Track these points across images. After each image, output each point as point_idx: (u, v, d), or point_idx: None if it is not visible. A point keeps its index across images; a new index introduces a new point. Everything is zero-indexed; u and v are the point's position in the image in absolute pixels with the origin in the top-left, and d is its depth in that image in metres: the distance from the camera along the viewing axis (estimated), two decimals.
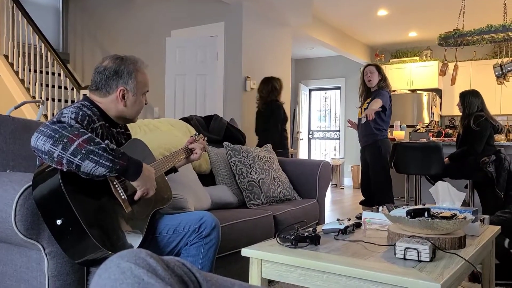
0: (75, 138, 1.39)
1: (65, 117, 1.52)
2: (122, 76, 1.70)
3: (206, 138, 2.20)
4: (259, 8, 5.06)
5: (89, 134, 1.44)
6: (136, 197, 1.59)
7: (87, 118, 1.59)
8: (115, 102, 1.70)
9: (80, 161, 1.38)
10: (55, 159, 1.38)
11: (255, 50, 5.06)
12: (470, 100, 4.07)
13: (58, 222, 1.37)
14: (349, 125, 4.60)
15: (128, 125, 2.49)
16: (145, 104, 1.81)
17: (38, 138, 1.39)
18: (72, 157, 1.37)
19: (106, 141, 1.46)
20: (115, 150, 1.46)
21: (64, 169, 1.40)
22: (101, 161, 1.40)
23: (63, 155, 1.37)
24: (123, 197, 1.55)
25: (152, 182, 1.60)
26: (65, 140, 1.38)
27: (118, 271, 0.56)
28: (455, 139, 4.41)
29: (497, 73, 4.99)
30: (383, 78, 4.21)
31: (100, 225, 1.43)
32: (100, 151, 1.41)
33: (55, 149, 1.37)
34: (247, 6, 4.90)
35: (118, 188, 1.55)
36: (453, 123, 6.09)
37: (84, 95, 1.76)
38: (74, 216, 1.36)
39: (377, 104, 3.97)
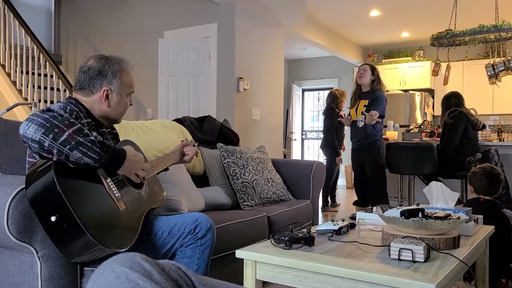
0: (65, 128, 1.41)
1: (54, 106, 1.55)
2: (106, 76, 1.69)
3: (197, 144, 2.23)
4: (251, 9, 5.06)
5: (79, 125, 1.46)
6: (135, 181, 1.63)
7: (75, 113, 1.61)
8: (98, 102, 1.70)
9: (69, 151, 1.41)
10: (46, 148, 1.40)
11: (248, 51, 5.06)
12: (447, 101, 4.18)
13: (53, 218, 1.36)
14: (342, 119, 4.57)
15: (121, 126, 2.50)
16: (130, 105, 1.81)
17: (28, 126, 1.40)
18: (61, 147, 1.39)
19: (94, 133, 1.48)
20: (102, 142, 1.48)
21: (54, 158, 1.42)
22: (89, 153, 1.43)
23: (54, 145, 1.39)
24: (116, 195, 1.55)
25: (137, 165, 1.62)
26: (55, 130, 1.39)
27: (113, 276, 0.55)
28: None
29: (489, 73, 5.03)
30: (376, 80, 4.19)
31: (95, 221, 1.42)
32: (88, 143, 1.43)
33: (45, 139, 1.38)
34: (240, 6, 4.89)
35: (111, 186, 1.55)
36: None
37: (69, 97, 1.76)
38: (69, 212, 1.35)
39: (376, 115, 4.01)
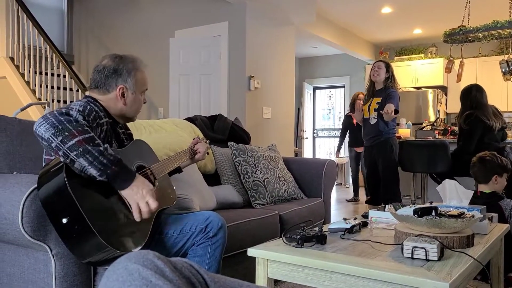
0: (76, 134, 1.41)
1: (73, 108, 1.54)
2: (122, 75, 1.71)
3: (208, 141, 2.24)
4: (262, 7, 5.06)
5: (92, 134, 1.45)
6: (133, 213, 1.49)
7: (94, 113, 1.61)
8: (114, 101, 1.72)
9: (75, 157, 1.41)
10: (53, 148, 1.42)
11: (259, 49, 5.05)
12: (466, 95, 4.07)
13: (64, 220, 1.37)
14: (351, 113, 4.54)
15: (133, 126, 2.52)
16: (144, 103, 1.82)
17: (41, 124, 1.42)
18: (68, 151, 1.40)
19: (106, 145, 1.47)
20: (112, 155, 1.46)
21: (61, 159, 1.43)
22: (94, 163, 1.42)
23: (61, 147, 1.40)
24: None
25: (141, 195, 1.49)
26: (66, 134, 1.40)
27: (126, 273, 0.56)
28: None
29: (503, 70, 4.96)
30: (390, 77, 4.14)
31: (105, 223, 1.43)
32: (96, 154, 1.42)
33: (54, 139, 1.40)
34: (251, 5, 4.89)
35: None
36: None
37: (86, 96, 1.76)
38: (80, 214, 1.36)
39: (392, 109, 3.93)
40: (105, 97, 1.72)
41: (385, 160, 4.13)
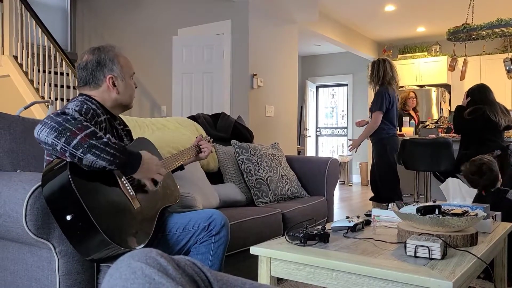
0: (78, 132, 1.41)
1: (69, 109, 1.54)
2: (106, 65, 1.71)
3: (212, 140, 2.24)
4: (265, 6, 5.05)
5: (92, 128, 1.46)
6: (149, 187, 1.63)
7: (91, 111, 1.61)
8: (107, 92, 1.72)
9: (82, 154, 1.40)
10: (58, 151, 1.41)
11: (262, 48, 5.05)
12: (470, 95, 4.07)
13: (68, 217, 1.38)
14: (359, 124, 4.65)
15: (136, 124, 2.52)
16: (135, 87, 1.81)
17: (41, 130, 1.41)
18: (74, 150, 1.40)
19: (107, 136, 1.48)
20: (117, 144, 1.48)
21: (68, 160, 1.43)
22: (102, 155, 1.43)
23: (66, 148, 1.40)
24: (131, 193, 1.56)
25: (153, 169, 1.62)
26: (68, 134, 1.40)
27: (129, 271, 0.56)
28: None
29: (507, 68, 4.94)
30: (373, 76, 4.15)
31: (109, 220, 1.44)
32: (102, 146, 1.43)
33: (58, 142, 1.39)
34: (253, 3, 4.88)
35: (126, 185, 1.56)
36: None
37: (80, 93, 1.76)
38: (84, 211, 1.37)
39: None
40: (97, 91, 1.71)
41: (379, 160, 4.18)
